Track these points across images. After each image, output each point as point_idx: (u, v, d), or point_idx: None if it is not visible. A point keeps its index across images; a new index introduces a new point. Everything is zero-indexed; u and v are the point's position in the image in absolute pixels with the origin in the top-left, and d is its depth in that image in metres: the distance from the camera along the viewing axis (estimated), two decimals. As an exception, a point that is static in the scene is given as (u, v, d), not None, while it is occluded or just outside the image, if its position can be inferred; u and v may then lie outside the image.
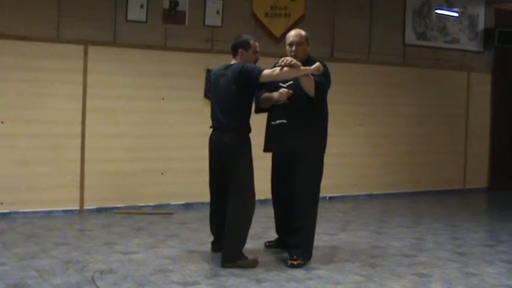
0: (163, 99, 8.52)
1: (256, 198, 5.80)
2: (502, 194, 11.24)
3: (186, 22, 8.65)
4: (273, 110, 6.02)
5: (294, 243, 5.89)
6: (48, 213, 7.84)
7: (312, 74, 5.64)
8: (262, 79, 5.57)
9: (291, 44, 5.93)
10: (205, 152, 8.69)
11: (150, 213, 8.22)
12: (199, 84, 8.74)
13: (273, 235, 6.62)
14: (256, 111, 6.19)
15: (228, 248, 5.66)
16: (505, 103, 11.77)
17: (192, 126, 8.67)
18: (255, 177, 5.79)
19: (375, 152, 10.21)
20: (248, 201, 5.73)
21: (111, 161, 8.20)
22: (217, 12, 8.88)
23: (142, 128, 8.40)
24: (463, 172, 11.43)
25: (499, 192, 11.39)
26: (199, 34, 8.80)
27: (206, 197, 8.76)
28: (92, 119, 8.08)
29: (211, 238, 6.78)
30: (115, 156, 8.22)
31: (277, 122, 5.95)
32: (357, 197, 9.87)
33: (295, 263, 5.71)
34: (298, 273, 5.48)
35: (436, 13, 10.94)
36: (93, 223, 7.52)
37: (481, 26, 11.47)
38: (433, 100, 10.91)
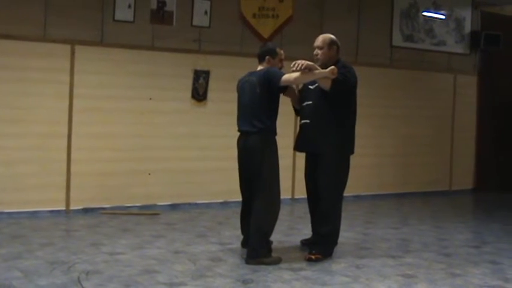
0: (150, 99, 8.50)
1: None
2: (487, 195, 11.30)
3: (174, 22, 8.63)
4: (301, 110, 6.37)
5: (315, 240, 6.29)
6: (34, 214, 7.80)
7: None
8: (282, 83, 5.88)
9: (314, 48, 6.25)
10: (192, 153, 8.77)
11: (137, 214, 8.19)
12: (187, 84, 8.73)
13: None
14: (297, 114, 6.63)
15: (252, 246, 5.85)
16: (491, 105, 11.84)
17: (179, 127, 8.68)
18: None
19: (362, 153, 10.11)
20: (273, 201, 5.95)
21: (98, 161, 8.17)
22: (205, 12, 8.87)
23: (129, 128, 8.38)
24: (449, 173, 11.48)
25: (484, 193, 11.44)
26: (187, 34, 8.79)
27: (193, 198, 8.86)
28: (79, 119, 8.04)
29: (198, 239, 6.81)
30: (102, 156, 8.19)
31: (302, 122, 6.31)
32: (343, 198, 9.86)
33: (312, 257, 5.97)
34: (285, 274, 5.49)
35: (423, 15, 10.99)
36: (80, 223, 7.50)
37: (467, 28, 11.53)
38: (420, 102, 10.95)
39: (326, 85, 5.93)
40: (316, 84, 6.12)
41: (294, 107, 6.57)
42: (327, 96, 6.01)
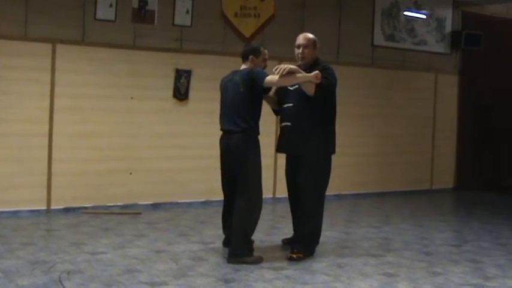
0: (131, 98, 8.47)
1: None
2: (468, 194, 11.37)
3: (155, 21, 8.60)
4: (281, 112, 6.35)
5: (297, 239, 6.28)
6: (15, 213, 7.75)
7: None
8: (266, 84, 5.88)
9: (298, 47, 6.23)
10: (173, 152, 8.76)
11: (118, 213, 8.16)
12: (168, 83, 8.72)
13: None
14: (276, 114, 6.62)
15: (234, 245, 5.85)
16: (472, 104, 11.93)
17: (160, 126, 8.66)
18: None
19: (343, 152, 10.15)
20: (255, 200, 5.95)
21: (79, 160, 8.13)
22: (187, 11, 8.86)
23: (110, 127, 8.35)
24: (430, 172, 11.55)
25: (465, 192, 11.52)
26: (169, 33, 8.77)
27: (174, 197, 8.84)
28: (60, 118, 8.00)
29: (180, 238, 6.80)
30: (83, 155, 8.15)
31: (283, 124, 6.29)
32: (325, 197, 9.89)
33: (294, 256, 5.97)
34: (267, 273, 5.49)
35: (404, 15, 11.04)
36: (61, 223, 7.46)
37: (448, 28, 11.61)
38: (401, 101, 11.01)
39: (310, 90, 5.91)
40: (296, 86, 6.10)
41: (272, 108, 6.57)
42: (308, 98, 6.01)
